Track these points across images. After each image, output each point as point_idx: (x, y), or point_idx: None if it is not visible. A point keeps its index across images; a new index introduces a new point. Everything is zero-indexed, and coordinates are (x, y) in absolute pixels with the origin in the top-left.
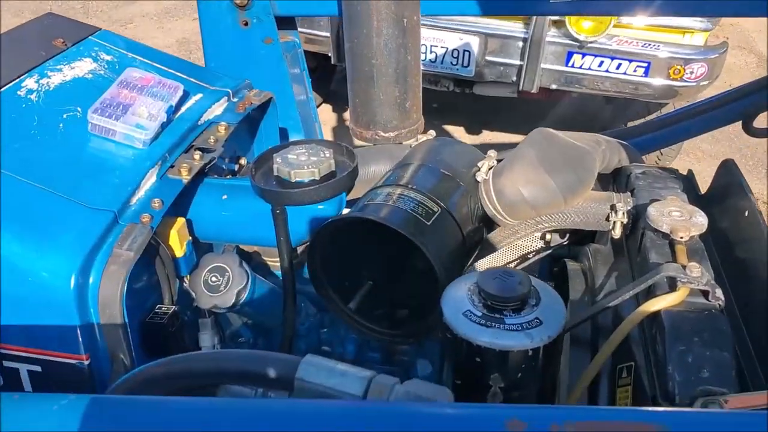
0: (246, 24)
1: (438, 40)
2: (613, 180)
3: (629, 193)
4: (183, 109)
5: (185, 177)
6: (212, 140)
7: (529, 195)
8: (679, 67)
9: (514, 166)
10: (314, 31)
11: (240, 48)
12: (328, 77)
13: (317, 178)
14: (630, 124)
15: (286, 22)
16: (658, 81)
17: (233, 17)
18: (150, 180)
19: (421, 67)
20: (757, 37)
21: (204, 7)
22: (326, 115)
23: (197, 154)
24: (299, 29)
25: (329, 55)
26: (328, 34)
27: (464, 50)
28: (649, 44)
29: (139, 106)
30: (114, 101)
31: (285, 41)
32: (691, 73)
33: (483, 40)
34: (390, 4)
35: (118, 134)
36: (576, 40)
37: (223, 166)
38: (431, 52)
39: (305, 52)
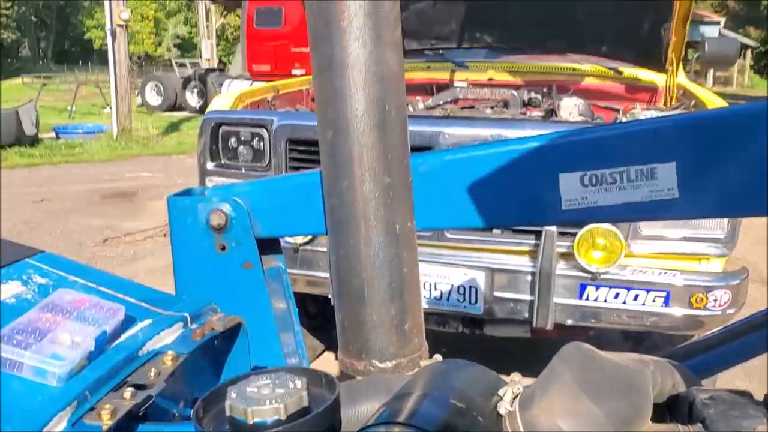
0: (223, 248)
1: (442, 277)
2: (670, 410)
3: (700, 425)
4: (123, 337)
5: (106, 422)
6: (152, 374)
7: (571, 430)
8: (701, 295)
9: (547, 393)
10: (314, 273)
11: (215, 274)
12: (330, 322)
13: (283, 417)
14: None
15: (269, 246)
16: (680, 311)
17: (210, 242)
18: (57, 427)
19: (422, 288)
20: (763, 268)
21: (177, 232)
22: (328, 365)
23: (128, 392)
24: (299, 271)
25: (330, 297)
26: (328, 275)
27: (470, 286)
28: (665, 273)
29: (61, 333)
30: (29, 326)
31: (269, 267)
32: (715, 300)
33: (489, 275)
34: (379, 208)
35: (26, 368)
36: (587, 271)
37: (175, 411)
38: (435, 289)
39: (305, 295)
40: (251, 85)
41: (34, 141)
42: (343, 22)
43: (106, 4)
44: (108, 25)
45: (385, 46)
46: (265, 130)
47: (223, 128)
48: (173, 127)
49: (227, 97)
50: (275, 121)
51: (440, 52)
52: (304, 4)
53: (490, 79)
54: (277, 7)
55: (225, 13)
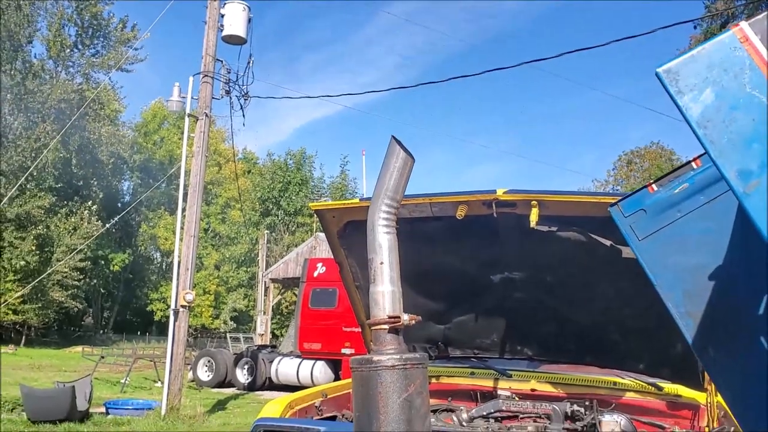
0: None
1: None
2: None
3: None
4: None
5: None
6: None
7: None
8: None
9: None
10: None
11: None
12: None
13: None
14: None
15: None
16: None
17: None
18: None
19: None
20: None
21: None
22: None
23: None
24: None
25: None
26: None
27: None
28: None
29: None
30: None
31: None
32: None
33: None
34: None
35: None
36: None
37: None
38: None
39: None
40: (300, 363)
41: (84, 417)
42: (381, 415)
43: (173, 286)
44: (172, 305)
45: None
46: None
47: None
48: (220, 405)
49: (278, 404)
50: (322, 431)
51: (483, 359)
52: None
53: (532, 390)
54: (332, 288)
55: (283, 290)
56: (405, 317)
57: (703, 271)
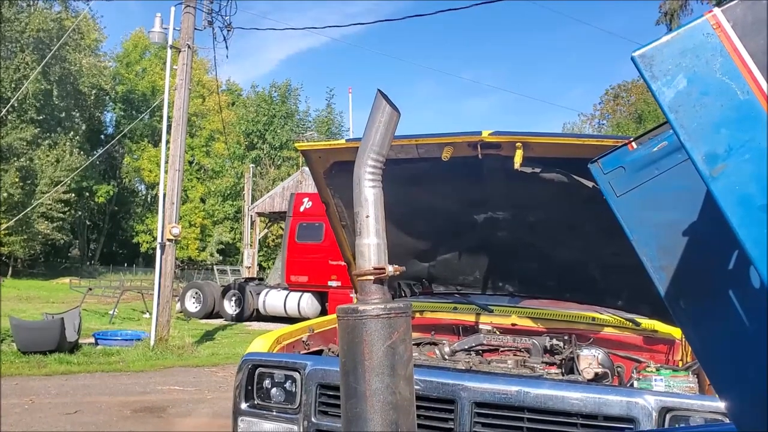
0: None
1: None
2: None
3: None
4: None
5: None
6: None
7: None
8: None
9: None
10: None
11: None
12: None
13: None
14: None
15: None
16: None
17: None
18: None
19: None
20: None
21: None
22: None
23: None
24: None
25: None
26: None
27: None
28: None
29: None
30: None
31: None
32: None
33: None
34: None
35: None
36: None
37: None
38: None
39: None
40: (287, 295)
41: (73, 348)
42: (366, 362)
43: (159, 220)
44: (159, 239)
45: (400, 379)
46: (297, 374)
47: (260, 370)
48: (208, 335)
49: (266, 339)
50: (308, 365)
51: (466, 295)
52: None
53: (513, 324)
54: (318, 222)
55: (269, 224)
56: (390, 268)
57: (678, 227)
